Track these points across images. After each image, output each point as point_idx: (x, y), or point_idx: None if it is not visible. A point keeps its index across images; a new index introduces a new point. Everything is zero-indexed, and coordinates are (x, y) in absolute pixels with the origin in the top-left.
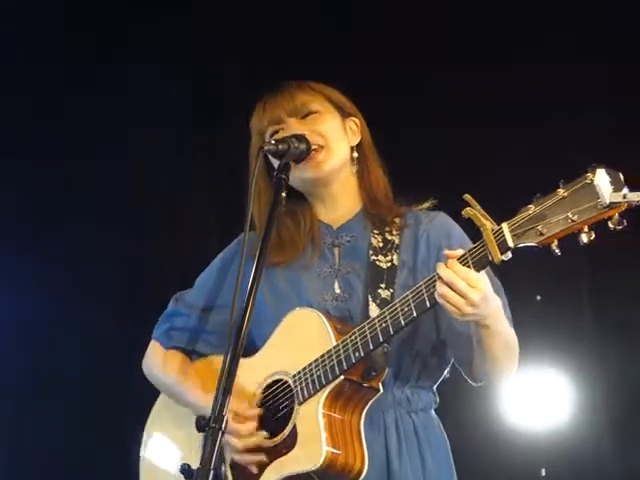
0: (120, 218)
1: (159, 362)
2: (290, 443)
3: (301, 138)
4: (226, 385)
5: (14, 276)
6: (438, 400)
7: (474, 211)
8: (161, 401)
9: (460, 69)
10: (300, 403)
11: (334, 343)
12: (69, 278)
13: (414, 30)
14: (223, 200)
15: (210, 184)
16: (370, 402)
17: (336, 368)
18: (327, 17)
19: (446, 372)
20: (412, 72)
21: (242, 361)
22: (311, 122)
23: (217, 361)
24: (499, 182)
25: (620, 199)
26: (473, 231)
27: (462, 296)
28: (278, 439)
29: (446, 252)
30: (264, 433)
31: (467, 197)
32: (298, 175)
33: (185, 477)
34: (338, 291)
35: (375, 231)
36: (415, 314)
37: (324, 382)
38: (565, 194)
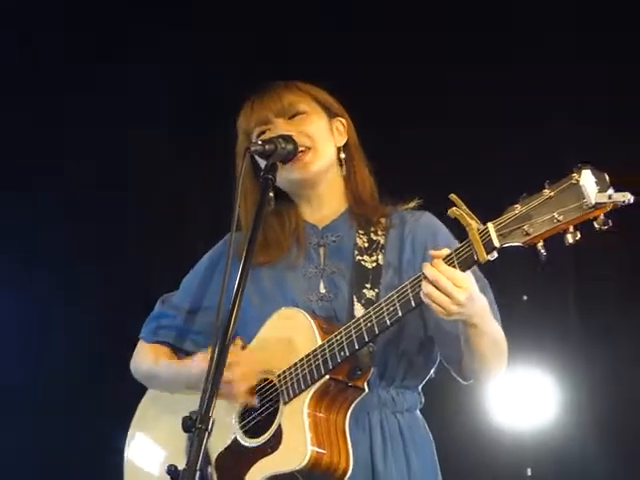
0: (120, 218)
1: (148, 356)
2: (275, 443)
3: (288, 139)
4: (212, 385)
5: (14, 276)
6: (423, 400)
7: (460, 211)
8: (146, 401)
9: (460, 69)
10: (285, 403)
11: (320, 342)
12: (65, 278)
13: (414, 30)
14: (221, 201)
15: (210, 185)
16: (355, 402)
17: (321, 367)
18: (327, 17)
19: (432, 372)
20: (411, 72)
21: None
22: (298, 123)
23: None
24: (499, 182)
25: (605, 199)
26: (459, 230)
27: (448, 296)
28: (263, 438)
29: (432, 252)
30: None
31: (453, 197)
32: (285, 176)
33: (171, 478)
34: (323, 291)
35: (360, 231)
36: (400, 314)
37: (309, 382)
38: (551, 194)
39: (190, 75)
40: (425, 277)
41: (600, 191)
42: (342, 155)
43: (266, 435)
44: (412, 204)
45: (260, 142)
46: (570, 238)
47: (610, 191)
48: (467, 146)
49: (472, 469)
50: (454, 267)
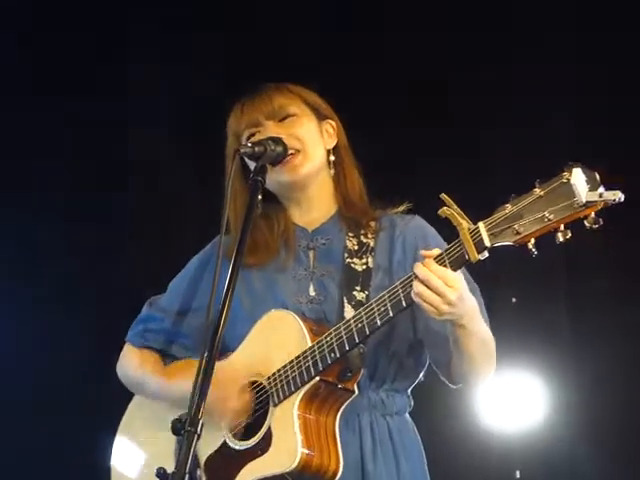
0: (120, 218)
1: (134, 362)
2: (265, 445)
3: (277, 140)
4: (202, 388)
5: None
6: (412, 403)
7: (451, 210)
8: (133, 406)
9: (460, 69)
10: (275, 405)
11: (310, 344)
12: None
13: (414, 30)
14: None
15: (210, 185)
16: (345, 403)
17: (311, 369)
18: (327, 17)
19: (421, 375)
20: (412, 72)
21: (217, 364)
22: (288, 125)
23: (192, 364)
24: (498, 182)
25: (596, 198)
26: (450, 231)
27: (439, 295)
28: (253, 441)
29: (423, 252)
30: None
31: (444, 196)
32: (274, 178)
33: None
34: (313, 294)
35: (350, 234)
36: (391, 314)
37: (299, 383)
38: (541, 193)
39: (190, 75)
40: (416, 277)
41: (591, 190)
42: (332, 158)
43: (256, 437)
44: (401, 208)
45: (249, 144)
46: (561, 237)
47: (601, 189)
48: (467, 146)
49: (461, 472)
50: (445, 267)
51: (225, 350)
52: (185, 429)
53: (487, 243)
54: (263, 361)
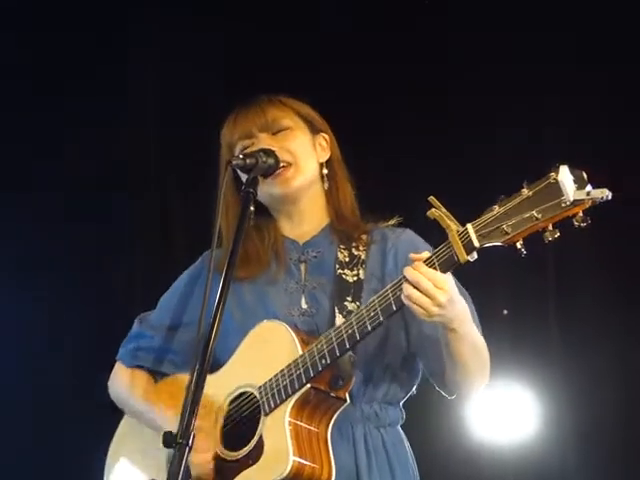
0: (120, 218)
1: (125, 384)
2: (256, 455)
3: (269, 152)
4: (193, 400)
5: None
6: (405, 416)
7: (439, 212)
8: (124, 426)
9: (459, 69)
10: (266, 414)
11: (300, 353)
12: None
13: (412, 31)
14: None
15: (210, 185)
16: (337, 413)
17: (302, 376)
18: (327, 17)
19: (414, 388)
20: (410, 72)
21: (208, 377)
22: (281, 138)
23: (182, 379)
24: (498, 182)
25: (584, 196)
26: (440, 240)
27: (429, 297)
28: (244, 451)
29: (412, 255)
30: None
31: (432, 199)
32: (266, 190)
33: None
34: (305, 306)
35: (341, 246)
36: (381, 318)
37: (290, 391)
38: (529, 194)
39: (190, 75)
40: (406, 279)
41: (578, 188)
42: (325, 171)
43: (247, 447)
44: (392, 221)
45: (241, 156)
46: (549, 236)
47: (588, 188)
48: (466, 146)
49: None
50: (435, 269)
51: (216, 363)
52: (176, 441)
53: (476, 244)
54: (254, 371)
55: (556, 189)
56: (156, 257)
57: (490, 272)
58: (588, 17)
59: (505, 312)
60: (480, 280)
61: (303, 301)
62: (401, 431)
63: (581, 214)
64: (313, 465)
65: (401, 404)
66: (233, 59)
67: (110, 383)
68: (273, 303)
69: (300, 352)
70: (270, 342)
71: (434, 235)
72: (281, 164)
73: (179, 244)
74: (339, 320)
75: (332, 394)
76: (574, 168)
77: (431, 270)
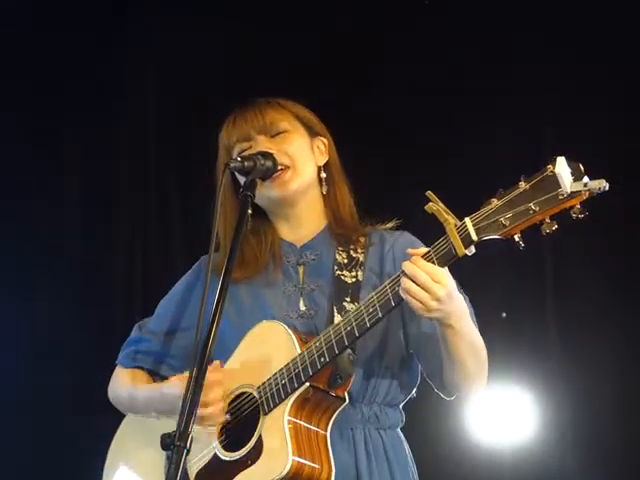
0: (120, 218)
1: (126, 382)
2: (255, 455)
3: (267, 155)
4: (191, 402)
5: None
6: (404, 419)
7: (437, 206)
8: (123, 427)
9: (459, 69)
10: (265, 413)
11: (299, 352)
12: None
13: (412, 31)
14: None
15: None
16: (336, 412)
17: (301, 374)
18: (327, 17)
19: (414, 391)
20: (410, 72)
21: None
22: (280, 141)
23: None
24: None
25: (581, 188)
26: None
27: (427, 291)
28: (243, 451)
29: (410, 250)
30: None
31: (429, 194)
32: (264, 193)
33: None
34: (303, 308)
35: (340, 248)
36: (380, 314)
37: (289, 390)
38: (527, 187)
39: (190, 75)
40: (404, 273)
41: (575, 180)
42: (323, 174)
43: (246, 448)
44: (390, 224)
45: (239, 158)
46: (546, 228)
47: (585, 179)
48: (465, 145)
49: None
50: (433, 263)
51: None
52: (174, 444)
53: (474, 237)
54: (253, 372)
55: (553, 181)
56: (156, 257)
57: (488, 274)
58: (588, 17)
59: (504, 315)
60: (478, 283)
61: (301, 303)
62: (401, 433)
63: (579, 206)
64: (312, 465)
65: (401, 406)
66: (233, 59)
67: (110, 386)
68: (270, 305)
69: (299, 351)
70: (268, 342)
71: (433, 236)
72: (279, 167)
73: (179, 244)
74: (337, 319)
75: (331, 393)
76: (571, 160)
77: (429, 264)
